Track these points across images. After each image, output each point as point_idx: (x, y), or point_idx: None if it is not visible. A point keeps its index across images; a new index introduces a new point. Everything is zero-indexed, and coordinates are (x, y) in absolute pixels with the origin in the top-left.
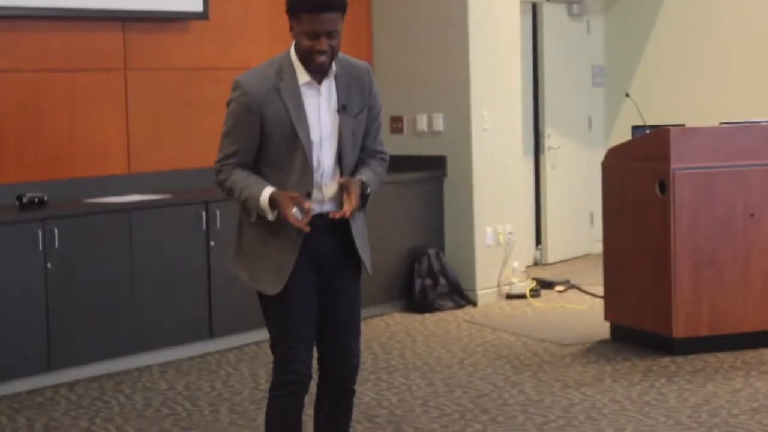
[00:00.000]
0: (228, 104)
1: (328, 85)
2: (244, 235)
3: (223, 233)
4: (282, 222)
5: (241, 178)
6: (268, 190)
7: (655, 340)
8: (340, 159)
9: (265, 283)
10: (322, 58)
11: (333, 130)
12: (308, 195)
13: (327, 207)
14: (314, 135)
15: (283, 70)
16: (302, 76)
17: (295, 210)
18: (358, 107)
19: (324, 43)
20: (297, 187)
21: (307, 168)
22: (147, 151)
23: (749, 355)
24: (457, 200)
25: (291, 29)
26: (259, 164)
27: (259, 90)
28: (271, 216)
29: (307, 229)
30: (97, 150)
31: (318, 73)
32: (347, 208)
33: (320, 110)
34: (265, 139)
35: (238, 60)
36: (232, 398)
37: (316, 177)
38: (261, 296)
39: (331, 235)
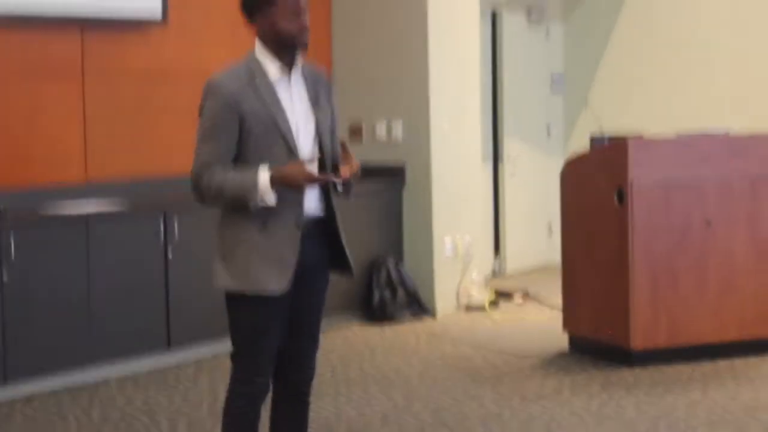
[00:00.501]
0: (202, 108)
1: (297, 79)
2: (231, 239)
3: (182, 244)
4: (279, 212)
5: (228, 173)
6: (265, 170)
7: (614, 351)
8: (320, 150)
9: (265, 282)
10: (308, 33)
11: (307, 121)
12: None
13: (311, 211)
14: (292, 123)
15: (252, 69)
16: (272, 72)
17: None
18: (326, 107)
19: (307, 16)
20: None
21: (291, 154)
22: (105, 158)
23: (707, 366)
24: (416, 209)
25: (255, 24)
26: (238, 164)
27: (234, 88)
28: (273, 198)
29: (338, 178)
30: (54, 157)
31: (303, 50)
32: (346, 170)
33: (293, 101)
34: (245, 135)
35: (197, 65)
36: (190, 413)
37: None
38: (233, 304)
39: (313, 238)
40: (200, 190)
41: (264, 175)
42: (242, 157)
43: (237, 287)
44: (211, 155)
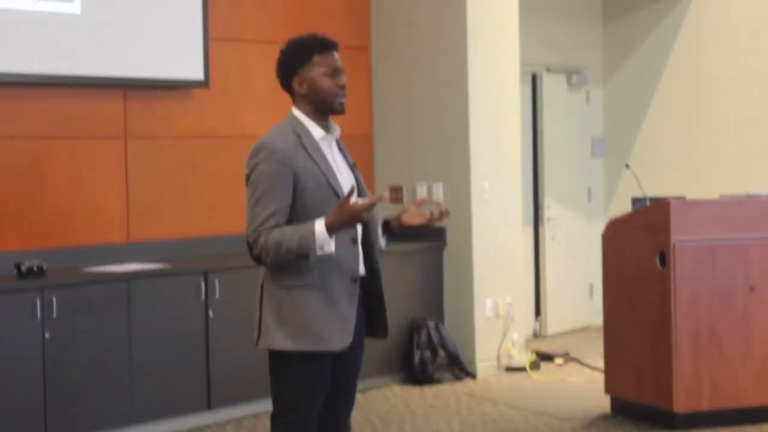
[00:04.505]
0: (253, 170)
1: (335, 142)
2: (285, 298)
3: (222, 303)
4: (334, 267)
5: (286, 229)
6: (320, 220)
7: (656, 414)
8: None
9: (328, 338)
10: (345, 93)
11: (350, 180)
12: (354, 241)
13: (360, 271)
14: (340, 181)
15: (297, 130)
16: (315, 132)
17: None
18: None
19: (345, 77)
20: (340, 235)
21: None
22: (146, 220)
23: (750, 430)
24: (457, 271)
25: (292, 88)
26: (294, 223)
27: (285, 147)
28: (332, 245)
29: (381, 199)
30: (96, 218)
31: (337, 113)
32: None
33: (336, 161)
34: (299, 193)
35: (239, 128)
36: None
37: None
38: (282, 364)
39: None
40: (258, 250)
41: (320, 223)
42: (297, 216)
43: (296, 346)
44: (267, 215)
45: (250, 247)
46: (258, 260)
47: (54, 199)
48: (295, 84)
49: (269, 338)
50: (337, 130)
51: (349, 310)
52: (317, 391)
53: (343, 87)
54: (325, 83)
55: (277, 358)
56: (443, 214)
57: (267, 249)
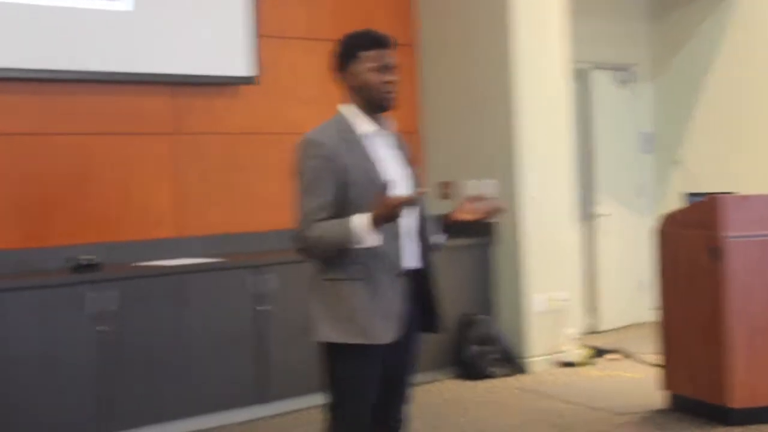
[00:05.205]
0: (300, 165)
1: (385, 135)
2: (332, 291)
3: (272, 297)
4: (380, 262)
5: (330, 222)
6: (361, 215)
7: (711, 409)
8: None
9: (372, 332)
10: (393, 89)
11: (400, 176)
12: (398, 235)
13: (410, 263)
14: (387, 177)
15: (344, 125)
16: (362, 127)
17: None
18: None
19: (393, 74)
20: (385, 229)
21: None
22: (195, 215)
23: None
24: (508, 266)
25: (345, 81)
26: (340, 217)
27: (332, 142)
28: (374, 238)
29: (421, 194)
30: (147, 213)
31: (386, 110)
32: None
33: (387, 157)
34: (348, 186)
35: (286, 124)
36: None
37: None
38: (333, 356)
39: (409, 291)
40: (302, 243)
41: (360, 217)
42: (344, 211)
43: (341, 338)
44: (312, 209)
45: (297, 240)
46: (303, 253)
47: (105, 194)
48: (346, 78)
49: (316, 330)
50: (390, 126)
51: (394, 305)
52: (367, 383)
53: (390, 83)
54: (372, 78)
55: (327, 349)
56: (497, 211)
57: (311, 242)
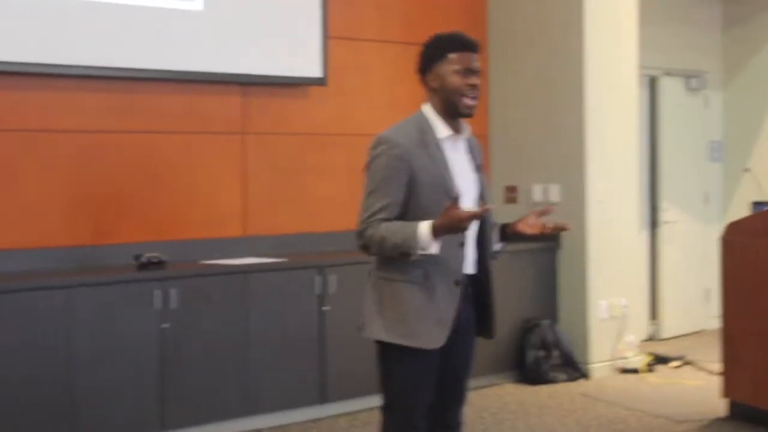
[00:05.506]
0: (370, 162)
1: (462, 141)
2: (388, 291)
3: (337, 298)
4: (438, 268)
5: (393, 224)
6: (426, 222)
7: None
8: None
9: (422, 336)
10: (474, 96)
11: (470, 185)
12: (461, 244)
13: (467, 269)
14: (457, 184)
15: (422, 126)
16: (440, 130)
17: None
18: (483, 173)
19: (477, 79)
20: (447, 237)
21: None
22: (262, 215)
23: None
24: (572, 272)
25: (427, 82)
26: (406, 219)
27: (405, 143)
28: (435, 247)
29: (487, 211)
30: (213, 212)
31: (466, 116)
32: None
33: (458, 162)
34: (417, 188)
35: (354, 126)
36: None
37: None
38: (386, 356)
39: (467, 297)
40: (365, 240)
41: (425, 225)
42: (410, 213)
43: (390, 338)
44: (378, 208)
45: (359, 236)
46: (364, 250)
47: (172, 192)
48: (429, 79)
49: (369, 327)
50: (466, 131)
51: (447, 312)
52: (420, 384)
53: (472, 87)
54: (455, 80)
55: (382, 349)
56: (560, 228)
57: (373, 241)
